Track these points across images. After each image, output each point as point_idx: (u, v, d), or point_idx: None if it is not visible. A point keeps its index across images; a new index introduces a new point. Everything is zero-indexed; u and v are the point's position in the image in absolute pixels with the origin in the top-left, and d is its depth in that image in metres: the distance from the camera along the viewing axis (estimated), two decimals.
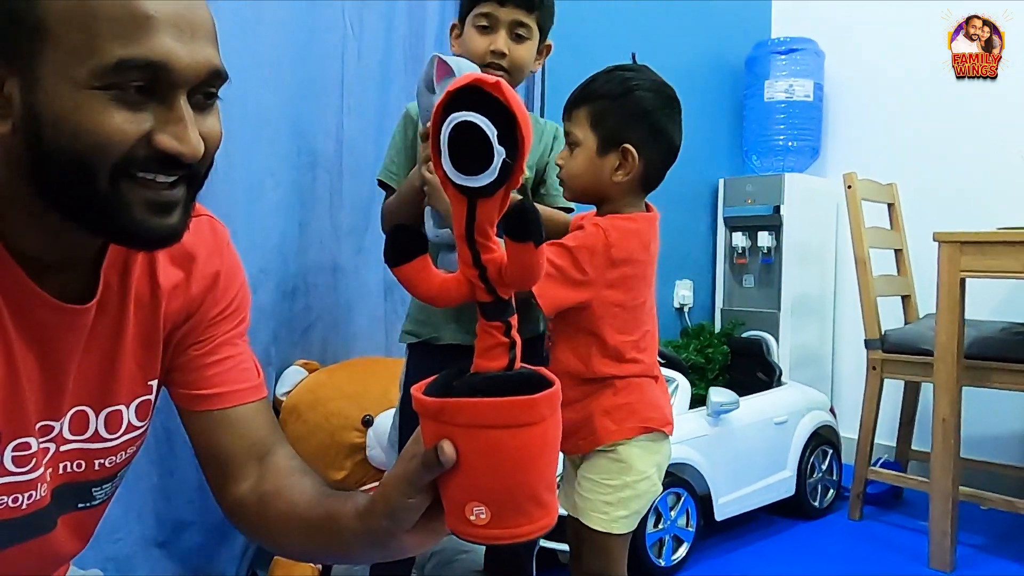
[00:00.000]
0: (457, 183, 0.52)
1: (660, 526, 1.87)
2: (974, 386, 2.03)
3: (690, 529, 1.94)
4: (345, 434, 1.70)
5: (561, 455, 1.34)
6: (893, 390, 2.42)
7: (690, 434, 1.94)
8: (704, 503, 1.98)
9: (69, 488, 0.74)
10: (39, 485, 0.70)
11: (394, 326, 1.94)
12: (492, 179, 0.51)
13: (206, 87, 0.61)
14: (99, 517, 0.81)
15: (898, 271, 2.50)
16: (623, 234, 1.19)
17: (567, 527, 1.35)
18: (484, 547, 1.58)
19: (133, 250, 0.71)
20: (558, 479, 1.39)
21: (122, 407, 0.75)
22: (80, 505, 0.76)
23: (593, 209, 1.30)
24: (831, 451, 2.36)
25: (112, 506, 0.82)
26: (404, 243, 0.56)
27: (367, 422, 1.69)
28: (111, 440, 0.75)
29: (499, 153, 0.50)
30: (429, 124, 0.54)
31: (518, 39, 1.35)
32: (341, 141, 1.94)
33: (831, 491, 2.37)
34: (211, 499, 0.80)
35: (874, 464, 2.37)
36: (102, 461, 0.75)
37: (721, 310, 2.97)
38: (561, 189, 1.44)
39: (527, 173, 1.26)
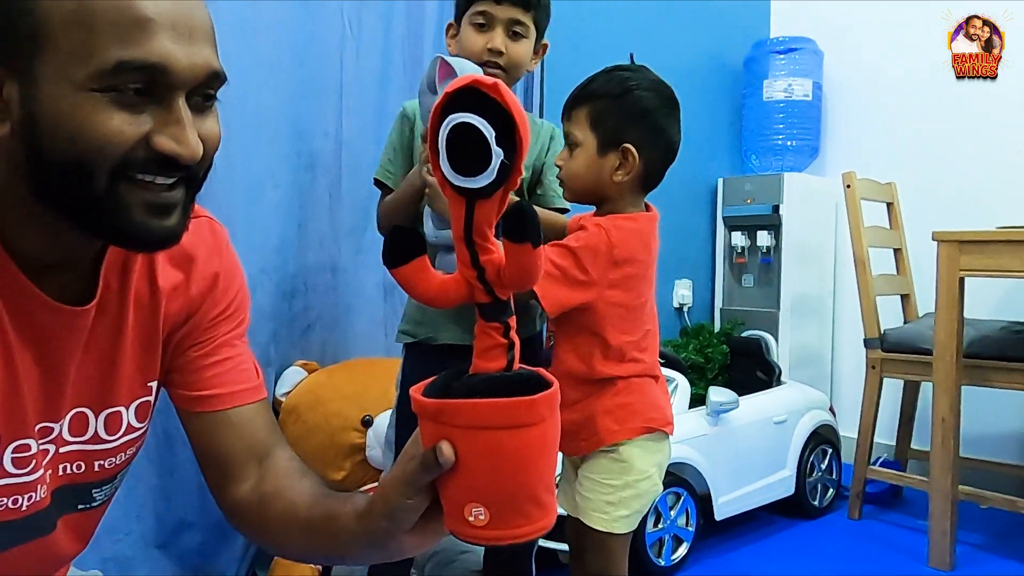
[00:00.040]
0: (455, 184, 0.52)
1: (660, 526, 1.87)
2: (973, 385, 2.03)
3: (690, 529, 1.94)
4: (345, 435, 1.70)
5: (560, 455, 1.34)
6: (892, 389, 2.42)
7: (690, 434, 1.94)
8: (704, 502, 1.98)
9: (69, 489, 0.74)
10: (39, 487, 0.70)
11: (393, 326, 1.93)
12: (490, 180, 0.51)
13: (205, 89, 0.61)
14: (99, 518, 0.81)
15: (897, 270, 2.50)
16: (625, 234, 1.20)
17: (567, 527, 1.35)
18: (483, 547, 1.59)
19: (132, 252, 0.71)
20: (557, 479, 1.40)
21: (122, 408, 0.75)
22: (80, 506, 0.76)
23: (591, 210, 1.30)
24: (831, 450, 2.36)
25: (112, 507, 0.82)
26: (403, 244, 0.57)
27: (367, 422, 1.69)
28: (111, 441, 0.75)
29: (497, 154, 0.50)
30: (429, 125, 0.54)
31: (515, 37, 1.36)
32: (340, 142, 1.94)
33: (831, 490, 2.37)
34: (211, 500, 0.80)
35: (874, 463, 2.37)
36: (102, 462, 0.75)
37: (720, 309, 2.97)
38: (558, 189, 1.44)
39: (524, 174, 1.26)
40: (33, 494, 0.69)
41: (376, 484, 1.11)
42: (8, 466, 0.66)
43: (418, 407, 0.56)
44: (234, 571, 1.72)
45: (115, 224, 0.61)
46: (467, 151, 0.51)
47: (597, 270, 1.18)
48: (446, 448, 0.54)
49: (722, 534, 2.11)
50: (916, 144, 2.74)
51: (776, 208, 2.79)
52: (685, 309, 2.90)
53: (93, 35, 0.55)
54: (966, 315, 1.95)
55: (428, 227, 1.24)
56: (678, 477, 1.90)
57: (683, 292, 2.90)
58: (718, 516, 2.02)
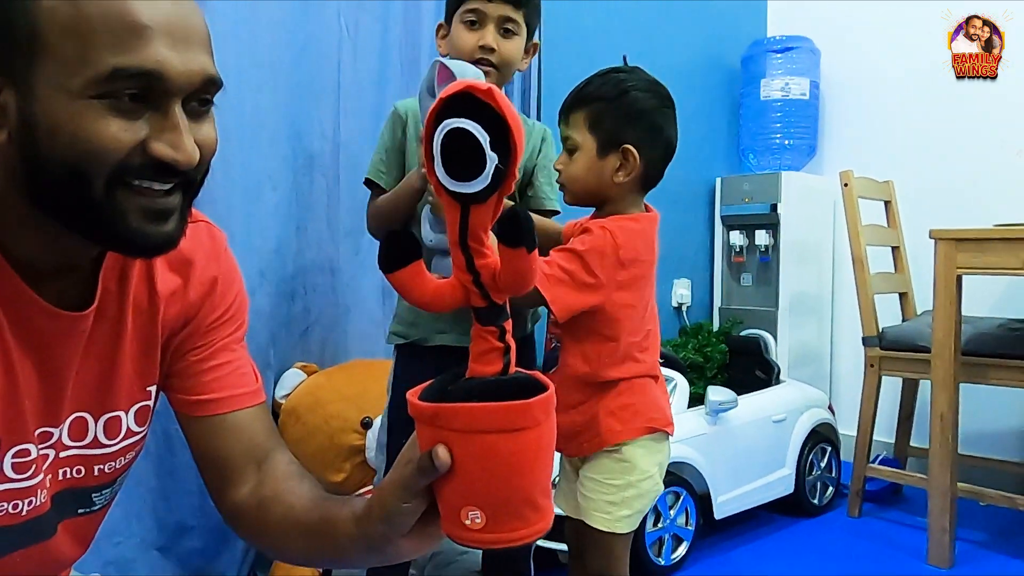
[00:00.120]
0: (450, 189, 0.52)
1: (659, 525, 1.88)
2: (971, 382, 2.04)
3: (689, 528, 1.95)
4: (344, 436, 1.71)
5: (558, 456, 1.35)
6: (891, 387, 2.42)
7: (689, 433, 1.94)
8: (703, 502, 1.99)
9: (69, 494, 0.74)
10: (39, 491, 0.70)
11: None
12: (485, 185, 0.51)
13: (201, 94, 0.62)
14: (99, 522, 0.81)
15: (895, 268, 2.51)
16: (630, 235, 1.20)
17: (566, 528, 1.36)
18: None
19: (130, 257, 0.71)
20: (556, 480, 1.40)
21: (121, 413, 0.75)
22: (80, 511, 0.77)
23: (586, 214, 1.30)
24: (830, 448, 2.36)
25: (112, 510, 0.82)
26: (399, 248, 0.57)
27: (366, 424, 1.70)
28: (110, 446, 0.75)
29: (491, 159, 0.50)
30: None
31: (506, 34, 1.36)
32: (338, 143, 1.94)
33: (830, 488, 2.38)
34: (211, 502, 0.81)
35: (873, 461, 2.37)
36: (101, 467, 0.75)
37: (719, 309, 2.98)
38: (549, 191, 1.44)
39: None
40: (33, 499, 0.70)
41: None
42: (8, 471, 0.67)
43: (414, 411, 0.57)
44: (234, 573, 1.72)
45: (112, 230, 0.61)
46: (462, 156, 0.51)
47: (605, 272, 1.18)
48: (442, 452, 0.54)
49: (722, 533, 2.12)
50: (914, 143, 2.74)
51: (774, 207, 2.79)
52: (684, 308, 2.90)
53: (89, 42, 0.56)
54: (964, 313, 1.95)
55: (425, 230, 1.24)
56: (677, 476, 1.90)
57: (682, 291, 2.90)
58: (718, 515, 2.02)
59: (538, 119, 2.22)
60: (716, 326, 2.82)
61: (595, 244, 1.18)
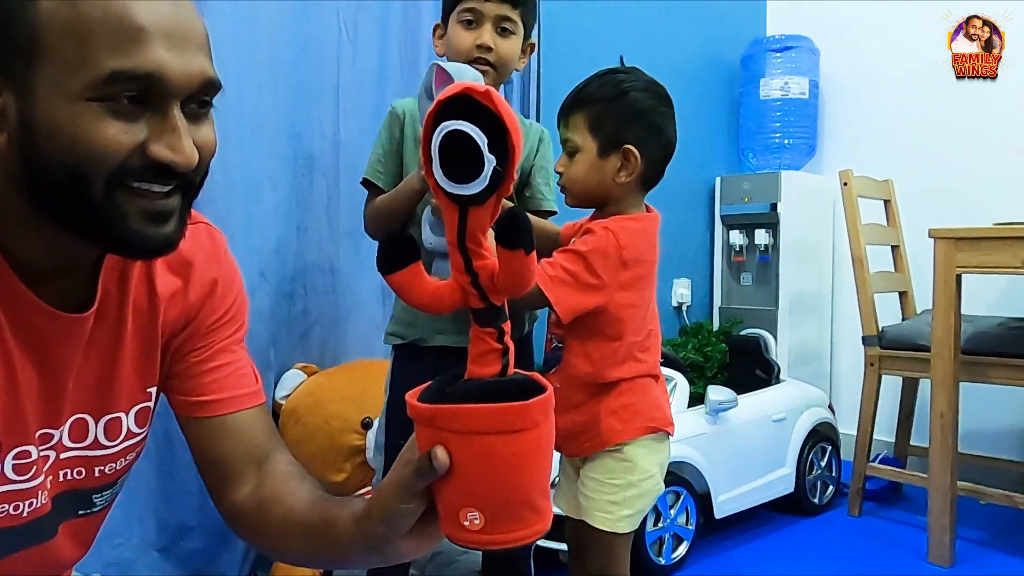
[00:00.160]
0: (448, 191, 0.53)
1: (660, 525, 1.88)
2: (971, 381, 2.04)
3: (690, 527, 1.95)
4: (345, 436, 1.71)
5: (558, 456, 1.35)
6: (891, 386, 2.42)
7: (689, 433, 1.94)
8: (703, 501, 1.99)
9: (70, 495, 0.74)
10: (39, 493, 0.70)
11: None
12: (483, 187, 0.51)
13: (200, 97, 0.62)
14: (100, 523, 0.81)
15: (895, 267, 2.51)
16: (632, 235, 1.21)
17: (566, 529, 1.36)
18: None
19: (130, 259, 0.71)
20: (556, 480, 1.40)
21: (121, 414, 0.76)
22: (81, 512, 0.77)
23: (585, 216, 1.31)
24: (830, 448, 2.36)
25: (113, 511, 0.83)
26: (397, 250, 0.57)
27: (366, 424, 1.70)
28: (111, 447, 0.76)
29: (489, 161, 0.51)
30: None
31: (503, 33, 1.36)
32: (338, 143, 1.94)
33: (830, 487, 2.38)
34: (211, 503, 0.81)
35: (873, 460, 2.37)
36: (102, 468, 0.76)
37: (719, 308, 2.98)
38: (546, 192, 1.44)
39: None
40: (34, 500, 0.70)
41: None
42: (9, 473, 0.67)
43: (413, 412, 0.57)
44: (235, 574, 1.72)
45: (112, 232, 0.61)
46: (460, 158, 0.51)
47: (608, 273, 1.18)
48: (441, 453, 0.55)
49: (722, 532, 2.12)
50: (913, 142, 2.74)
51: (774, 206, 2.79)
52: (684, 308, 2.90)
53: (87, 45, 0.56)
54: (964, 311, 1.95)
55: (425, 233, 1.24)
56: (678, 476, 1.90)
57: (682, 291, 2.90)
58: (718, 514, 2.03)
59: (538, 120, 2.22)
60: (716, 325, 2.82)
61: (598, 245, 1.19)
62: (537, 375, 0.59)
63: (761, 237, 2.81)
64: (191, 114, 0.61)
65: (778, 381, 2.39)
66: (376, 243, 0.59)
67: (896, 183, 2.53)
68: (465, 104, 0.51)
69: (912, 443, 2.50)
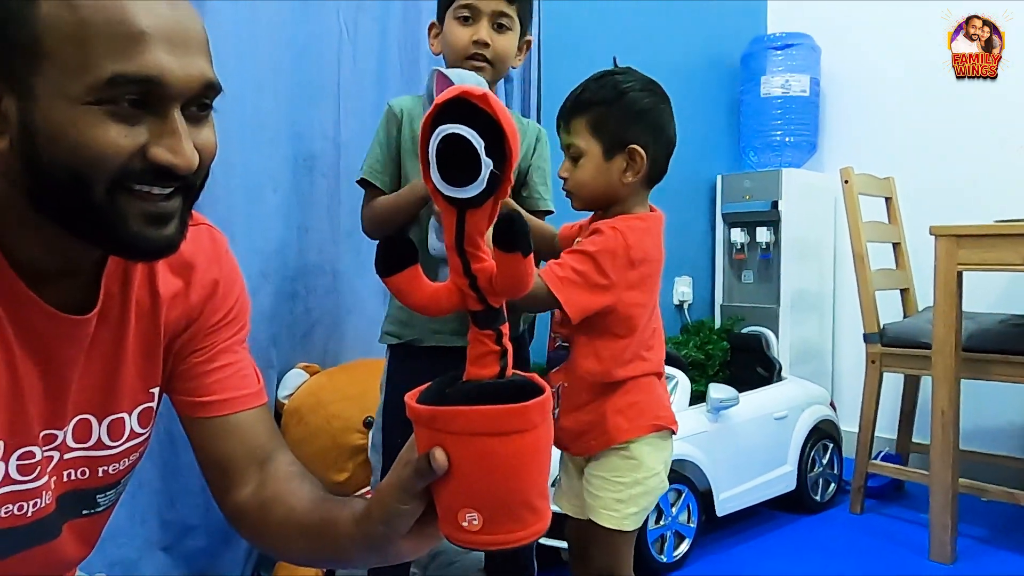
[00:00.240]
0: (446, 194, 0.53)
1: (661, 522, 1.88)
2: (973, 378, 2.04)
3: (691, 525, 1.95)
4: (347, 436, 1.71)
5: (561, 455, 1.35)
6: (893, 383, 2.42)
7: (690, 431, 1.94)
8: (705, 499, 1.99)
9: (74, 495, 0.75)
10: (44, 493, 0.71)
11: None
12: (480, 190, 0.52)
13: (200, 99, 0.62)
14: (104, 523, 0.82)
15: (896, 265, 2.51)
16: (640, 234, 1.22)
17: (567, 528, 1.36)
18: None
19: (131, 261, 0.72)
20: (557, 479, 1.40)
21: (124, 415, 0.76)
22: (85, 512, 0.77)
23: (582, 217, 1.31)
24: (832, 445, 2.37)
25: (117, 511, 0.83)
26: (396, 253, 0.57)
27: (368, 424, 1.70)
28: (114, 447, 0.76)
29: (487, 165, 0.51)
30: None
31: (500, 29, 1.35)
32: (339, 144, 1.94)
33: (832, 485, 2.38)
34: (215, 502, 0.81)
35: (875, 457, 2.38)
36: (106, 468, 0.76)
37: (721, 306, 2.98)
38: (544, 192, 1.44)
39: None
40: (38, 500, 0.70)
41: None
42: (13, 473, 0.67)
43: (412, 414, 0.57)
44: (238, 573, 1.73)
45: (114, 234, 0.61)
46: (458, 161, 0.51)
47: (616, 273, 1.19)
48: (439, 454, 0.55)
49: (724, 530, 2.12)
50: (914, 140, 2.74)
51: (775, 204, 2.79)
52: (685, 306, 2.91)
53: (88, 49, 0.56)
54: (965, 309, 1.95)
55: (432, 240, 1.24)
56: (679, 474, 1.91)
57: (683, 289, 2.90)
58: (719, 512, 2.03)
59: (538, 120, 2.21)
60: (717, 323, 2.82)
61: (607, 245, 1.19)
62: (536, 376, 0.59)
63: (762, 235, 2.81)
64: (191, 117, 0.62)
65: (779, 379, 2.39)
66: (376, 243, 0.59)
67: (897, 180, 2.53)
68: (462, 108, 0.51)
69: (913, 440, 2.50)
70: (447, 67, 1.38)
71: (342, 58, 1.94)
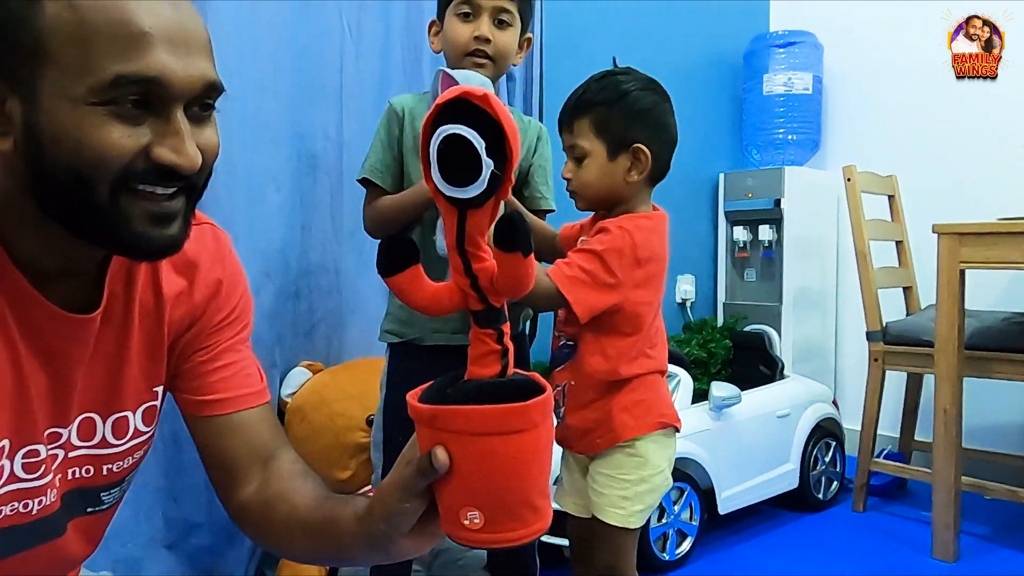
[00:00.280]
0: (447, 194, 0.53)
1: (664, 520, 1.88)
2: (975, 376, 2.04)
3: (694, 523, 1.95)
4: (350, 434, 1.72)
5: (563, 453, 1.36)
6: (896, 382, 2.42)
7: (693, 429, 1.94)
8: (707, 497, 1.99)
9: (78, 493, 0.75)
10: (48, 491, 0.71)
11: None
12: (481, 190, 0.52)
13: (202, 100, 0.63)
14: (108, 521, 0.82)
15: (899, 263, 2.50)
16: (646, 233, 1.22)
17: (569, 527, 1.37)
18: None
19: (135, 261, 0.72)
20: (559, 478, 1.41)
21: (128, 413, 0.77)
22: (89, 509, 0.78)
23: (585, 217, 1.31)
24: (834, 443, 2.37)
25: (121, 509, 0.83)
26: (397, 253, 0.57)
27: (371, 422, 1.70)
28: (118, 446, 0.76)
29: (487, 165, 0.51)
30: None
31: (501, 25, 1.35)
32: (341, 143, 1.95)
33: (835, 483, 2.38)
34: (219, 500, 0.82)
35: (877, 455, 2.37)
36: (110, 466, 0.77)
37: (723, 304, 2.98)
38: (545, 191, 1.44)
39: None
40: (43, 498, 0.71)
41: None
42: (18, 471, 0.68)
43: (414, 413, 0.57)
44: (242, 571, 1.74)
45: (117, 234, 0.62)
46: (458, 161, 0.52)
47: (624, 271, 1.20)
48: (441, 453, 0.55)
49: (726, 528, 2.12)
50: (917, 138, 2.73)
51: (777, 202, 2.79)
52: (688, 304, 2.91)
53: (91, 50, 0.56)
54: (968, 307, 1.95)
55: (439, 242, 1.24)
56: (682, 472, 1.91)
57: (686, 287, 2.90)
58: (722, 510, 2.03)
59: (540, 120, 2.21)
60: (720, 322, 2.82)
61: (614, 244, 1.20)
62: (536, 375, 0.60)
63: (765, 233, 2.81)
64: (194, 117, 0.62)
65: (782, 377, 2.39)
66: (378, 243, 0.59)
67: (900, 179, 2.53)
68: (463, 108, 0.51)
69: (916, 438, 2.50)
70: (448, 64, 1.38)
71: (344, 58, 1.94)
